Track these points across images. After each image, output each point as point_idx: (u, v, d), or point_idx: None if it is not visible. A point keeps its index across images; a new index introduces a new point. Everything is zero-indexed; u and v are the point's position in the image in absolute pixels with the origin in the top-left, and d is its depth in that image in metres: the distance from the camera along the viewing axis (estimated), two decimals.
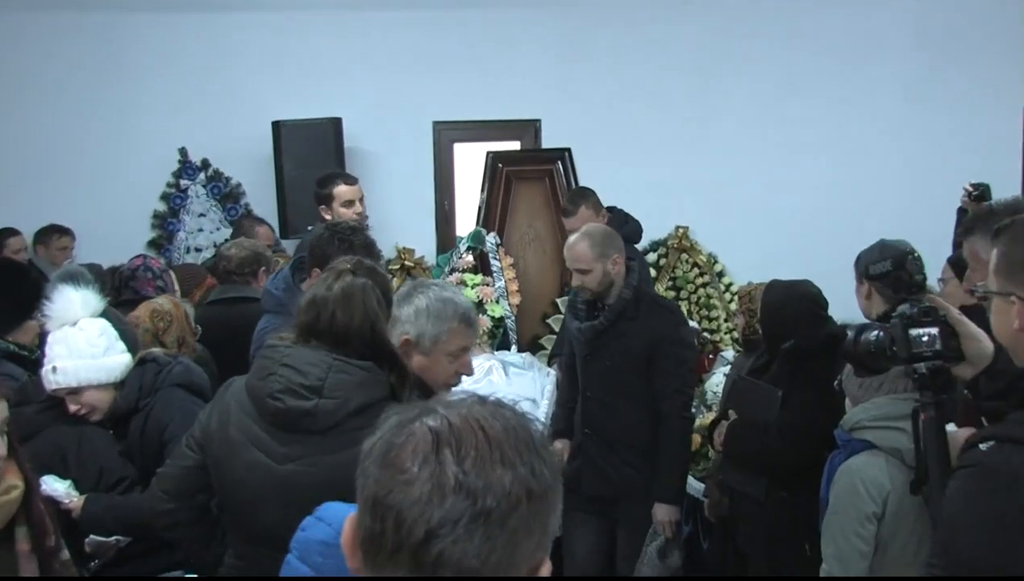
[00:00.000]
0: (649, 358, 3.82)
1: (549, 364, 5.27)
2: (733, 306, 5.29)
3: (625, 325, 3.85)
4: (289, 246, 5.95)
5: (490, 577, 1.03)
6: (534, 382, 4.95)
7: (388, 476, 1.05)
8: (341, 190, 4.45)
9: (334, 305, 2.45)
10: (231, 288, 4.45)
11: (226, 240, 5.97)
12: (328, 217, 4.28)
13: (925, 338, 2.30)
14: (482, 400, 1.12)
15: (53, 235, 6.26)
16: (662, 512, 3.82)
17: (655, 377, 3.82)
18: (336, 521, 2.10)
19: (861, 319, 3.69)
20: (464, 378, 2.84)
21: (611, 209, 5.12)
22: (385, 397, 2.44)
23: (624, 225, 4.93)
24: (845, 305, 3.70)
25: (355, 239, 3.38)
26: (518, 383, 4.87)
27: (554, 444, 3.85)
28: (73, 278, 3.62)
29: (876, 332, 2.43)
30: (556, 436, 4.10)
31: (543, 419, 4.36)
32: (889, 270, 3.29)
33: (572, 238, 3.92)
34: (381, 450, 1.08)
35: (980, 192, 4.73)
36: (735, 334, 5.74)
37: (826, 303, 3.69)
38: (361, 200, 4.49)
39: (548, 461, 1.08)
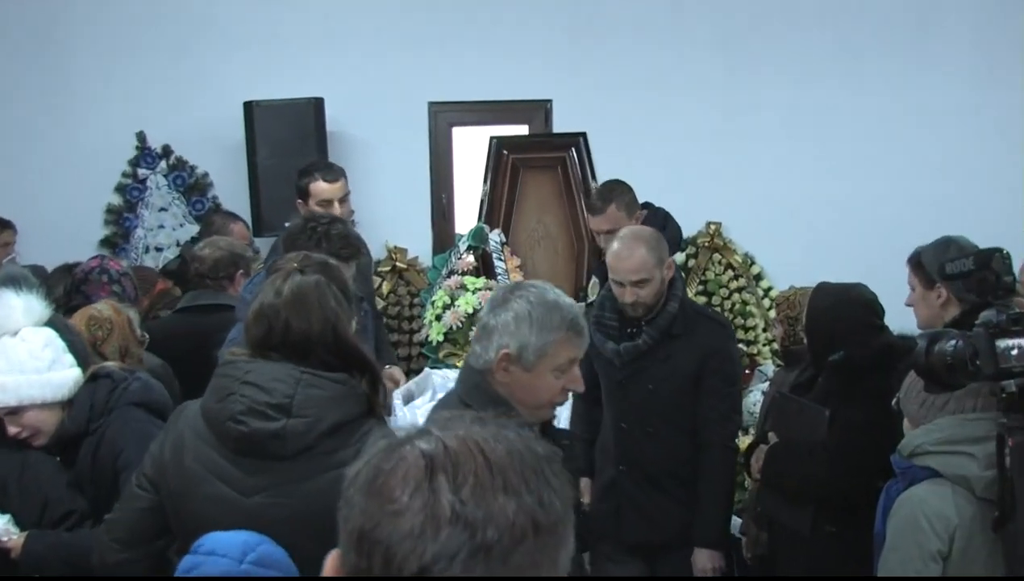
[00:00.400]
0: (697, 378, 3.81)
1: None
2: (772, 314, 5.25)
3: (671, 343, 3.82)
4: (264, 245, 5.93)
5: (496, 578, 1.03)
6: None
7: (376, 506, 1.05)
8: (319, 188, 4.48)
9: (286, 312, 2.48)
10: (204, 294, 4.44)
11: (193, 238, 5.97)
12: (303, 212, 4.35)
13: (1015, 351, 2.28)
14: (482, 420, 1.12)
15: None
16: (704, 558, 3.79)
17: (701, 399, 3.82)
18: (232, 551, 2.10)
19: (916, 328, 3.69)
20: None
21: (647, 206, 4.96)
22: (362, 413, 2.47)
23: (663, 228, 4.61)
24: (902, 312, 3.68)
25: (332, 230, 3.37)
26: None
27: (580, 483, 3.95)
28: (14, 281, 3.60)
29: (954, 342, 2.40)
30: (575, 475, 4.02)
31: None
32: (971, 269, 3.23)
33: (621, 245, 3.79)
34: (367, 477, 1.08)
35: None
36: (775, 345, 5.72)
37: (882, 310, 3.67)
38: (343, 200, 4.49)
39: (558, 489, 1.09)
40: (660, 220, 4.82)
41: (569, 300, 2.65)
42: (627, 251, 3.76)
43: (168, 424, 2.62)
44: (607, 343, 3.85)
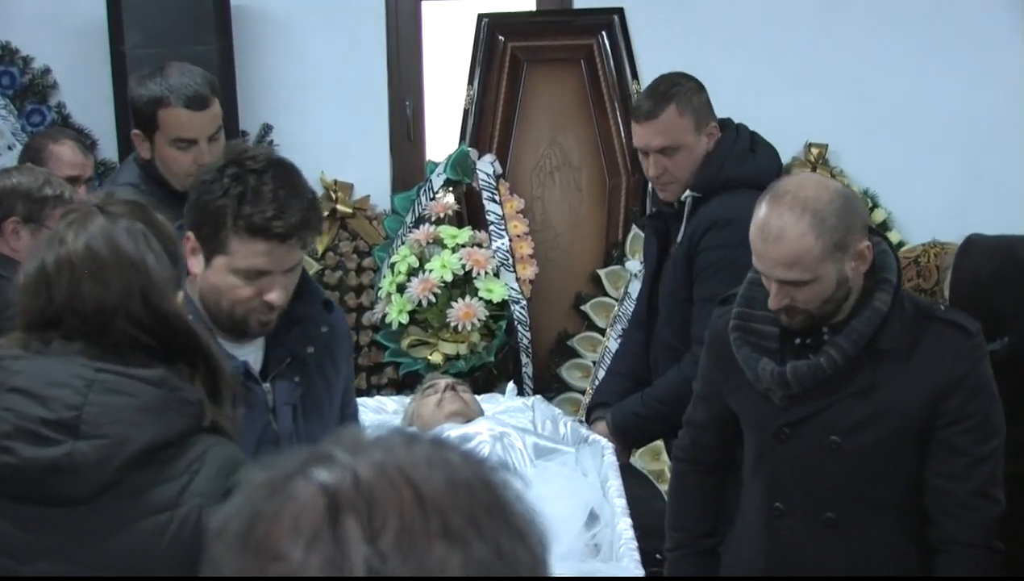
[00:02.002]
0: (926, 427, 3.33)
1: (589, 415, 5.22)
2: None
3: (877, 364, 3.34)
4: None
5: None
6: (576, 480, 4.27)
7: (255, 567, 1.08)
8: (175, 120, 4.32)
9: (79, 272, 2.52)
10: None
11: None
12: (145, 155, 4.40)
13: None
14: (411, 438, 1.16)
15: None
16: None
17: (931, 464, 3.35)
18: None
19: None
20: None
21: (724, 124, 4.77)
22: (191, 427, 2.55)
23: (749, 154, 4.61)
24: None
25: (266, 181, 3.10)
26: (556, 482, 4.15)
27: None
28: None
29: None
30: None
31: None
32: None
33: (768, 211, 3.29)
34: (241, 528, 1.10)
35: None
36: None
37: None
38: (214, 137, 4.38)
39: (526, 536, 1.13)
40: (744, 144, 4.67)
41: None
42: (777, 227, 3.24)
43: None
44: (761, 361, 3.37)
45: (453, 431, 3.97)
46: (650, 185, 6.15)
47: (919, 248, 4.83)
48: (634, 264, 6.26)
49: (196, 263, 3.01)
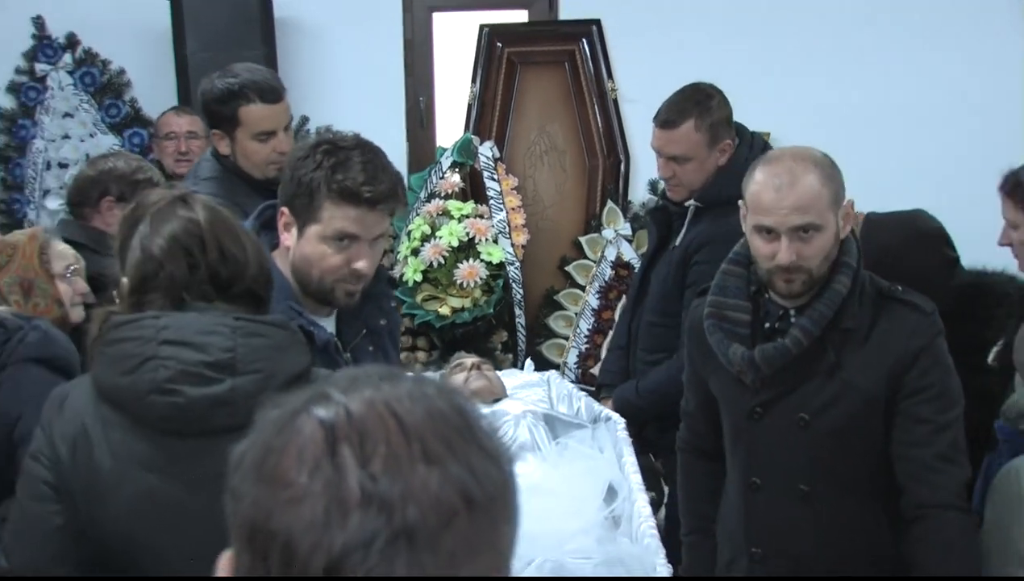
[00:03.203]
0: (889, 400, 2.94)
1: (598, 392, 4.80)
2: None
3: (841, 344, 2.95)
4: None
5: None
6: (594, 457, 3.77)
7: (268, 494, 1.06)
8: (256, 115, 3.94)
9: (219, 236, 2.44)
10: (69, 226, 4.39)
11: (143, 151, 5.97)
12: (225, 151, 4.01)
13: None
14: (395, 378, 1.13)
15: None
16: None
17: (898, 435, 2.94)
18: None
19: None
20: None
21: (741, 133, 4.30)
22: (311, 362, 2.50)
23: (734, 177, 3.99)
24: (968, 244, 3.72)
25: (358, 149, 2.84)
26: (577, 460, 3.71)
27: None
28: None
29: None
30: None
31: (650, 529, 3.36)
32: None
33: (777, 167, 2.91)
34: (255, 460, 1.09)
35: None
36: None
37: (952, 242, 3.70)
38: (288, 128, 4.06)
39: (494, 455, 1.10)
40: (747, 158, 3.97)
41: None
42: (787, 176, 2.85)
43: (45, 420, 2.50)
44: (732, 346, 2.98)
45: (484, 410, 3.58)
46: (622, 166, 6.09)
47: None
48: (609, 232, 6.24)
49: (289, 237, 2.70)
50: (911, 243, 3.59)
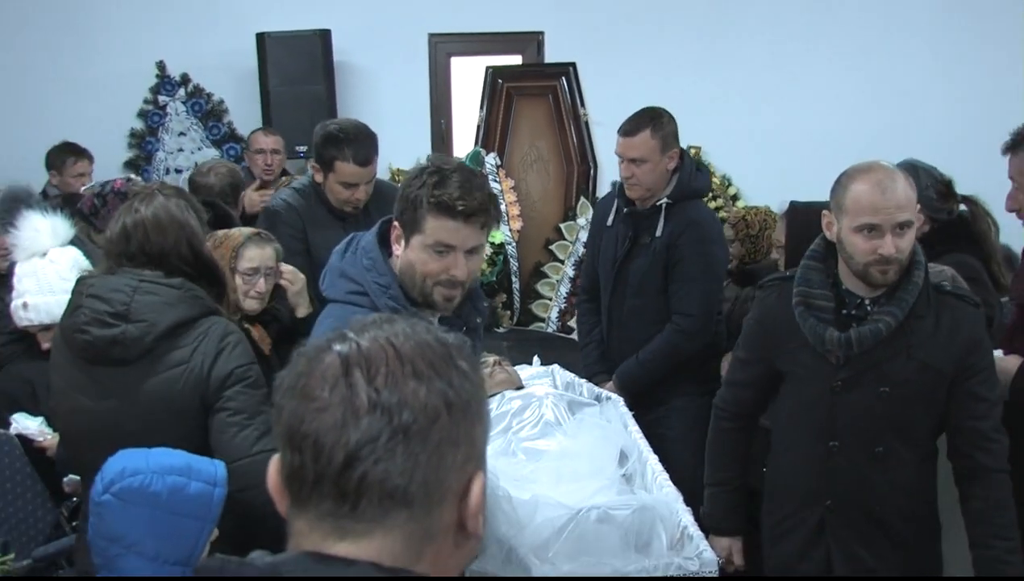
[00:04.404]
0: (952, 380, 2.64)
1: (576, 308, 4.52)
2: (729, 234, 4.67)
3: (914, 329, 2.63)
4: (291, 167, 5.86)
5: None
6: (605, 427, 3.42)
7: (301, 406, 1.05)
8: (346, 171, 3.65)
9: (148, 227, 2.48)
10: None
11: (237, 161, 5.91)
12: (318, 178, 3.74)
13: None
14: (392, 320, 1.13)
15: (68, 158, 5.60)
16: None
17: (955, 410, 2.66)
18: (103, 477, 2.13)
19: None
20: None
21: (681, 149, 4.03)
22: (202, 313, 2.49)
23: (696, 174, 3.94)
24: None
25: (458, 171, 2.50)
26: (593, 431, 3.38)
27: (719, 542, 2.88)
28: (25, 201, 3.51)
29: None
30: (720, 533, 2.95)
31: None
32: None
33: (878, 174, 2.57)
34: (291, 382, 1.08)
35: None
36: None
37: None
38: (369, 182, 3.72)
39: (468, 373, 1.10)
40: (693, 167, 3.96)
41: None
42: (887, 181, 2.54)
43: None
44: (827, 330, 2.63)
45: (515, 397, 3.35)
46: (591, 172, 6.06)
47: (740, 210, 4.53)
48: (581, 221, 6.16)
49: (399, 247, 2.39)
50: (815, 223, 3.49)
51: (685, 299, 3.75)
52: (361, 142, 3.66)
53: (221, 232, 3.16)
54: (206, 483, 2.17)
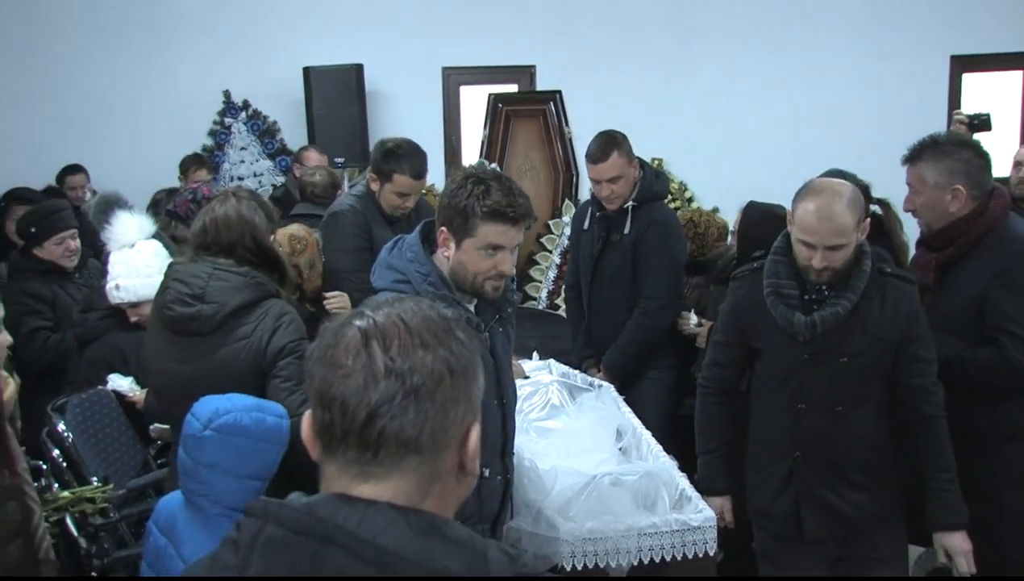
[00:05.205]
0: (898, 346, 2.60)
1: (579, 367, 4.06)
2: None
3: (865, 308, 2.59)
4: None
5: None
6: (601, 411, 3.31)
7: (329, 373, 1.04)
8: (403, 181, 3.57)
9: (220, 224, 2.49)
10: (315, 206, 4.31)
11: (286, 171, 6.02)
12: (374, 187, 3.64)
13: None
14: (401, 299, 1.12)
15: (191, 165, 5.83)
16: (958, 541, 2.59)
17: (902, 370, 2.62)
18: (202, 416, 2.12)
19: None
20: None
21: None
22: (263, 296, 2.47)
23: (656, 179, 3.82)
24: None
25: (497, 180, 2.33)
26: (591, 412, 3.28)
27: (712, 502, 2.73)
28: (117, 203, 3.61)
29: None
30: (711, 493, 2.79)
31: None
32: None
33: (821, 201, 2.49)
34: (320, 353, 1.07)
35: (981, 121, 4.06)
36: None
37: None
38: (418, 194, 3.65)
39: (465, 342, 1.09)
40: (653, 173, 3.83)
41: None
42: (826, 210, 2.48)
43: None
44: (794, 315, 2.58)
45: (524, 384, 3.23)
46: (574, 180, 6.07)
47: (688, 211, 4.51)
48: (566, 218, 6.03)
49: (448, 250, 2.22)
50: (769, 222, 3.26)
51: (650, 285, 3.70)
52: (417, 158, 3.60)
53: (308, 236, 3.41)
54: (278, 416, 2.19)
